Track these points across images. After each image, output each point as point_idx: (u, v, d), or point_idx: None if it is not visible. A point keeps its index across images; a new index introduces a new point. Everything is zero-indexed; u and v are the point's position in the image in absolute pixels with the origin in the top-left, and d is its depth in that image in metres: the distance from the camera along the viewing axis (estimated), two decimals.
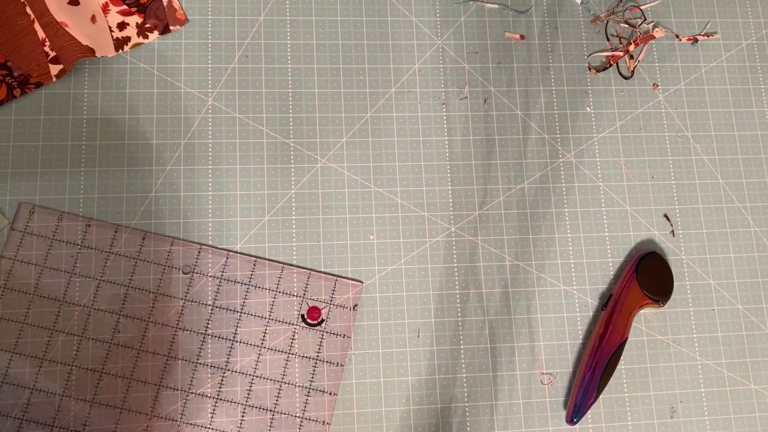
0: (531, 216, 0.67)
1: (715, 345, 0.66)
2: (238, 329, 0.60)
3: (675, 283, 0.66)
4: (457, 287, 0.65)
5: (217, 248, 0.62)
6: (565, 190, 0.68)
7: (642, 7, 0.73)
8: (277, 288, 0.61)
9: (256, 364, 0.60)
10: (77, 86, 0.64)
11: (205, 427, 0.58)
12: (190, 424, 0.58)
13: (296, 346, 0.61)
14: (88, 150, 0.63)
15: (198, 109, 0.65)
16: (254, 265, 0.61)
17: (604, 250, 0.67)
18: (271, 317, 0.61)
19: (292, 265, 0.63)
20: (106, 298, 0.60)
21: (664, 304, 0.65)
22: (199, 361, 0.59)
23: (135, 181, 0.63)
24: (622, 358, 0.64)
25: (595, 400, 0.62)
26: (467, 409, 0.62)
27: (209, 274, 0.61)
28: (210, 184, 0.64)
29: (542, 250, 0.66)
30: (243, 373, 0.59)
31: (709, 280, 0.68)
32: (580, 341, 0.65)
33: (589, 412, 0.63)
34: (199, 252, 0.61)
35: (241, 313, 0.61)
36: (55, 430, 0.57)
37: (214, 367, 0.59)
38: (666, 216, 0.69)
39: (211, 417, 0.59)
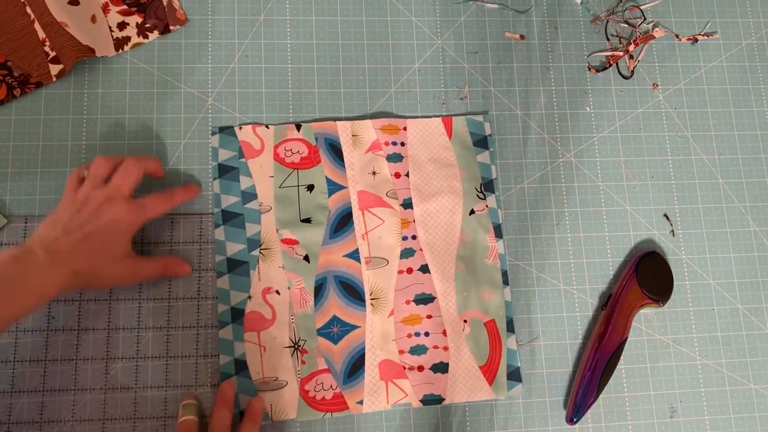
0: (531, 216, 0.67)
1: (715, 345, 0.66)
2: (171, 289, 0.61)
3: (675, 283, 0.66)
4: None
5: None
6: (565, 190, 0.68)
7: (642, 7, 0.73)
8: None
9: (198, 315, 0.60)
10: (77, 86, 0.64)
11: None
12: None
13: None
14: (88, 150, 0.63)
15: (198, 109, 0.65)
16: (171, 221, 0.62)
17: (604, 250, 0.67)
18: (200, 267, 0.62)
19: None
20: None
21: (663, 304, 0.65)
22: (140, 326, 0.60)
23: None
24: (622, 357, 0.64)
25: (595, 400, 0.62)
26: (467, 408, 0.62)
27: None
28: (210, 185, 0.63)
29: (542, 250, 0.66)
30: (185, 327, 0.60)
31: (709, 280, 0.68)
32: (580, 341, 0.65)
33: (589, 411, 0.63)
34: None
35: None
36: (11, 426, 0.57)
37: (157, 328, 0.60)
38: (666, 216, 0.69)
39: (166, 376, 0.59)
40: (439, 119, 0.67)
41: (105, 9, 0.66)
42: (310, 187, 0.64)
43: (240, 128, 0.64)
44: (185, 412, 0.57)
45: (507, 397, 0.62)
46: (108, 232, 0.55)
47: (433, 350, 0.62)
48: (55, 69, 0.63)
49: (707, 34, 0.74)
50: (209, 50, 0.67)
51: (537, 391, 0.63)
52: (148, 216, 0.57)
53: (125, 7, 0.66)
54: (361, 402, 0.60)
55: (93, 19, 0.65)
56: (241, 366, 0.59)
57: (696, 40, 0.73)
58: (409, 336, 0.62)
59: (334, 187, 0.64)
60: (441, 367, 0.61)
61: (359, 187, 0.64)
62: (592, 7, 0.73)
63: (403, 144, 0.66)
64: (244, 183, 0.63)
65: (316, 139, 0.65)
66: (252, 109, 0.66)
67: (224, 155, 0.64)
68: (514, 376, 0.62)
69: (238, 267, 0.61)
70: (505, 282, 0.64)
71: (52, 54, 0.63)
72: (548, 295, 0.65)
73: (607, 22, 0.72)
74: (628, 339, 0.64)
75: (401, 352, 0.61)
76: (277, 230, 0.62)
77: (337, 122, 0.66)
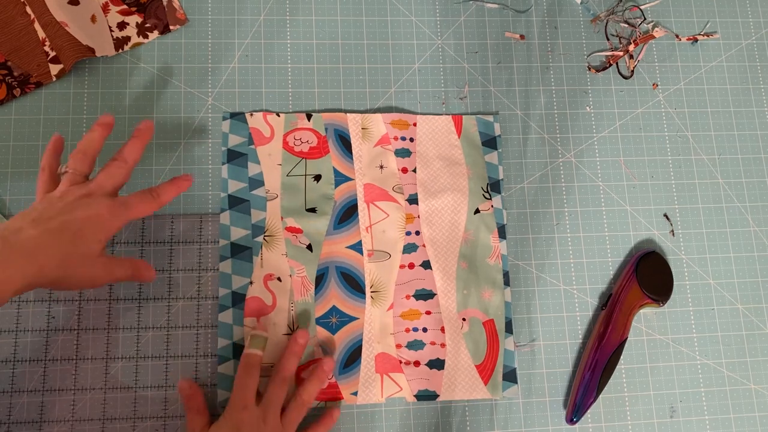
0: (531, 216, 0.67)
1: (714, 345, 0.66)
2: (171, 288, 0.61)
3: (675, 283, 0.66)
4: None
5: None
6: (565, 190, 0.68)
7: (642, 7, 0.73)
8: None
9: (198, 315, 0.60)
10: (77, 86, 0.64)
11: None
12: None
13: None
14: None
15: (198, 109, 0.65)
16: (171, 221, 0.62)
17: (604, 250, 0.67)
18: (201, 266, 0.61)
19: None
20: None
21: (663, 304, 0.65)
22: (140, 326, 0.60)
23: (135, 181, 0.63)
24: (621, 357, 0.64)
25: (594, 400, 0.62)
26: (467, 408, 0.62)
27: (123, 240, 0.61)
28: (210, 184, 0.64)
29: (542, 250, 0.66)
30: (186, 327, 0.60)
31: (708, 279, 0.68)
32: (580, 341, 0.65)
33: (588, 411, 0.63)
34: None
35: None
36: (11, 426, 0.57)
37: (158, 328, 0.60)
38: (666, 216, 0.69)
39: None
40: (450, 117, 0.67)
41: (105, 9, 0.66)
42: (317, 177, 0.64)
43: (251, 115, 0.65)
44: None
45: (505, 397, 0.62)
46: (83, 227, 0.49)
47: (431, 346, 0.62)
48: (55, 69, 0.63)
49: (707, 34, 0.74)
50: (209, 50, 0.67)
51: (537, 391, 0.63)
52: (130, 216, 0.52)
53: (125, 7, 0.66)
54: (355, 393, 0.60)
55: (93, 19, 0.65)
56: (239, 350, 0.59)
57: (696, 40, 0.73)
58: (407, 331, 0.62)
59: (340, 179, 0.64)
60: (437, 364, 0.61)
61: (366, 179, 0.64)
62: (592, 7, 0.73)
63: (412, 140, 0.66)
64: (252, 170, 0.63)
65: (326, 129, 0.65)
66: (252, 108, 0.66)
67: (234, 141, 0.64)
68: (510, 377, 0.62)
69: (241, 252, 0.61)
70: (506, 283, 0.64)
71: (52, 54, 0.63)
72: (548, 295, 0.65)
73: (607, 22, 0.72)
74: (628, 339, 0.64)
75: (398, 346, 0.62)
76: (282, 218, 0.63)
77: (348, 114, 0.66)
